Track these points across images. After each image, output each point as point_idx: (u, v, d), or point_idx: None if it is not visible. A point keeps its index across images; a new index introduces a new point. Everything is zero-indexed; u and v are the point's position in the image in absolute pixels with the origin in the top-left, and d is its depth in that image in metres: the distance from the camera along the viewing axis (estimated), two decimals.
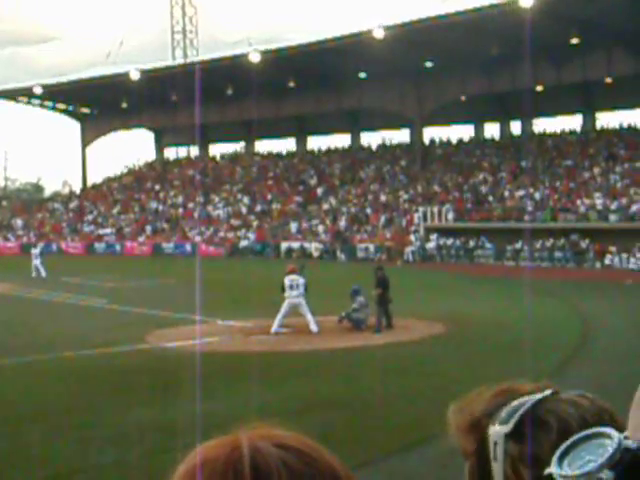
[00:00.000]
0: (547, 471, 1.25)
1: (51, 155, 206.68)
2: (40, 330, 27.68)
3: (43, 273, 49.81)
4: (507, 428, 1.40)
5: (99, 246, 74.67)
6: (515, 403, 1.44)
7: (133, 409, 16.00)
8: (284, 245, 64.19)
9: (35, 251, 52.27)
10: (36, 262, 50.65)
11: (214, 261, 60.45)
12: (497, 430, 1.42)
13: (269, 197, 74.90)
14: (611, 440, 1.20)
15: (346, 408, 15.48)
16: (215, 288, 39.17)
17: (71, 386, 18.58)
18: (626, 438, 1.20)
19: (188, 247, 69.74)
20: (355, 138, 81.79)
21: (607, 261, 49.17)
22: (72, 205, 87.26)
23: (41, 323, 29.36)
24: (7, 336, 26.55)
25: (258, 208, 73.44)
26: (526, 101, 55.66)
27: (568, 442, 1.24)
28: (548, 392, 1.47)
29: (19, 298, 38.72)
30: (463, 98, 68.62)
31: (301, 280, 25.63)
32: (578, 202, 54.90)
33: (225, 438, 1.20)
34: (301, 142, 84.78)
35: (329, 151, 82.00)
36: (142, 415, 15.39)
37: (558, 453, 1.23)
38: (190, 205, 78.31)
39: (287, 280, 25.66)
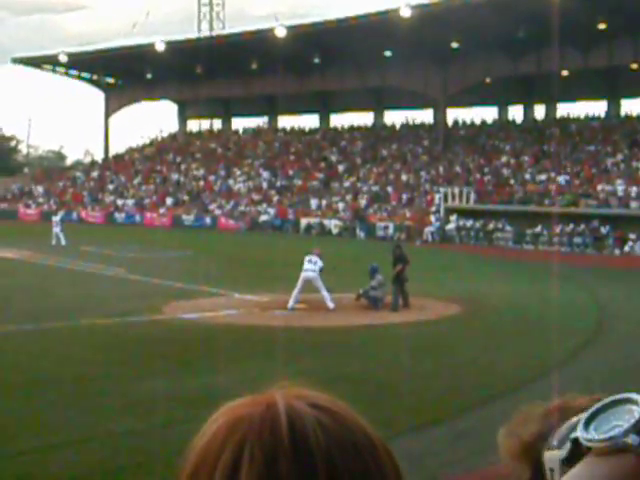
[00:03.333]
0: (573, 435, 1.25)
1: (74, 124, 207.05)
2: (58, 297, 27.81)
3: (63, 241, 49.98)
4: (562, 453, 1.28)
5: (119, 216, 74.75)
6: (565, 426, 1.32)
7: (147, 379, 16.07)
8: (304, 221, 64.13)
9: (56, 219, 52.48)
10: (56, 230, 50.82)
11: (233, 235, 60.54)
12: (552, 456, 1.31)
13: (290, 173, 74.79)
14: (638, 406, 1.20)
15: (360, 385, 15.48)
16: (233, 262, 39.31)
17: (86, 354, 18.67)
18: None
19: (208, 220, 69.81)
20: (378, 116, 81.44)
21: (627, 248, 48.94)
22: (93, 174, 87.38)
23: (59, 290, 29.48)
24: (25, 302, 26.70)
25: (279, 183, 73.39)
26: (551, 85, 55.34)
27: (595, 407, 1.24)
28: None
29: (38, 265, 38.88)
30: (488, 80, 68.27)
31: (319, 262, 25.79)
32: (599, 188, 54.62)
33: (257, 396, 1.17)
34: (324, 119, 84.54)
35: (352, 128, 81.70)
36: (156, 385, 15.44)
37: (585, 417, 1.23)
38: (211, 178, 78.30)
39: (307, 257, 25.83)
